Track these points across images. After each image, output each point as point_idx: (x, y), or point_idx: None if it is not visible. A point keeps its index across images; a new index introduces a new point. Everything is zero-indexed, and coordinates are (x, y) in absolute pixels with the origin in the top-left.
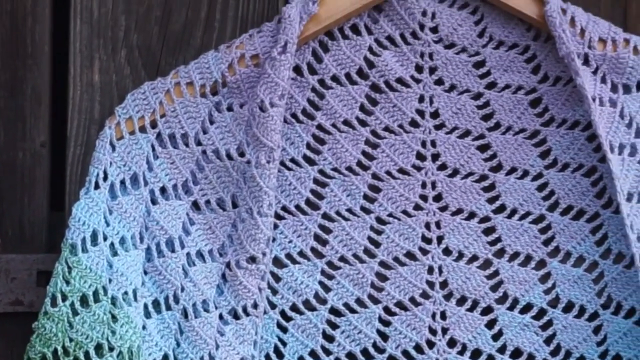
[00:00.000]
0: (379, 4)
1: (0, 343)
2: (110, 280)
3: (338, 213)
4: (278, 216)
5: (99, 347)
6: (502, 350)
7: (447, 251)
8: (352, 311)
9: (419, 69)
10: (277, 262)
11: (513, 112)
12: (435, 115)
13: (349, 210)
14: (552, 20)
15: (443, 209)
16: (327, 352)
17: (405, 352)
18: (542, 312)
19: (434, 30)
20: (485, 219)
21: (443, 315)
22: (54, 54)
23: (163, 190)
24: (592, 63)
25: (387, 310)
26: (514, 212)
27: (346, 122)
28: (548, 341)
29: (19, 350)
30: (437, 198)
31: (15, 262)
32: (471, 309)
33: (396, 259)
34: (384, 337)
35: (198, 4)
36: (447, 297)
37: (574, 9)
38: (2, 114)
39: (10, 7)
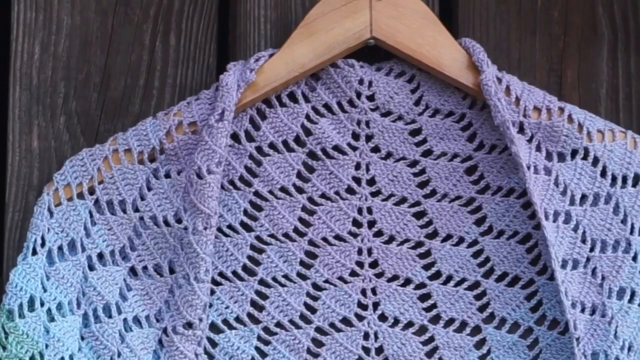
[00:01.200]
0: (316, 72)
1: None
2: (47, 346)
3: (274, 279)
4: (215, 282)
5: None
6: None
7: (383, 317)
8: None
9: (356, 136)
10: (213, 327)
11: (449, 180)
12: (371, 182)
13: (286, 277)
14: (488, 88)
15: (379, 275)
16: None
17: None
18: None
19: (371, 98)
20: (421, 286)
21: None
22: None
23: (100, 256)
24: (527, 131)
25: None
26: (449, 278)
27: (283, 189)
28: None
29: None
30: (373, 265)
31: None
32: None
33: (332, 325)
34: None
35: (137, 71)
36: None
37: (509, 77)
38: None
39: None
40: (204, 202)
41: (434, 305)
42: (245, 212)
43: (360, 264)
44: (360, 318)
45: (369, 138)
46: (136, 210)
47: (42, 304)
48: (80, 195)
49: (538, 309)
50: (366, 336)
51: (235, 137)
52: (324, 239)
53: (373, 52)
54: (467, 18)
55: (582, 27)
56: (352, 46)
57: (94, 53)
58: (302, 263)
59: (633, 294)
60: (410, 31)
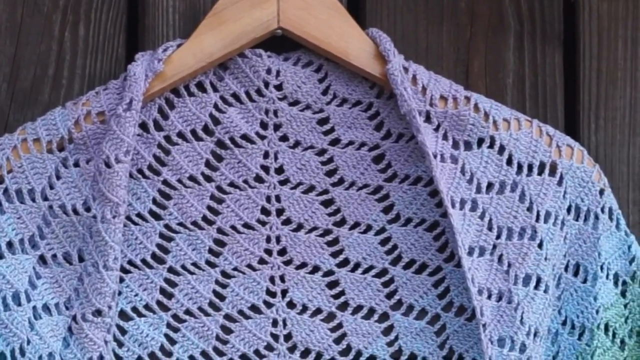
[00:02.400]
0: (224, 62)
1: None
2: None
3: (183, 267)
4: (124, 270)
5: None
6: None
7: (291, 304)
8: None
9: (264, 125)
10: (123, 315)
11: (356, 168)
12: (279, 171)
13: (195, 264)
14: (394, 78)
15: (287, 262)
16: None
17: None
18: None
19: (279, 87)
20: (329, 273)
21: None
22: None
23: (10, 244)
24: (434, 120)
25: None
26: (357, 266)
27: (192, 178)
28: None
29: None
30: (282, 252)
31: None
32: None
33: (241, 312)
34: None
35: (46, 61)
36: (291, 349)
37: (415, 67)
38: None
39: None
40: (113, 191)
41: (342, 292)
42: (154, 201)
43: (268, 252)
44: (268, 305)
45: (277, 127)
46: (45, 199)
47: None
48: None
49: (445, 295)
50: (275, 323)
51: (143, 126)
52: (233, 227)
53: (281, 43)
54: (374, 9)
55: (489, 17)
56: (259, 36)
57: (3, 43)
58: (210, 251)
59: (539, 280)
60: (318, 22)
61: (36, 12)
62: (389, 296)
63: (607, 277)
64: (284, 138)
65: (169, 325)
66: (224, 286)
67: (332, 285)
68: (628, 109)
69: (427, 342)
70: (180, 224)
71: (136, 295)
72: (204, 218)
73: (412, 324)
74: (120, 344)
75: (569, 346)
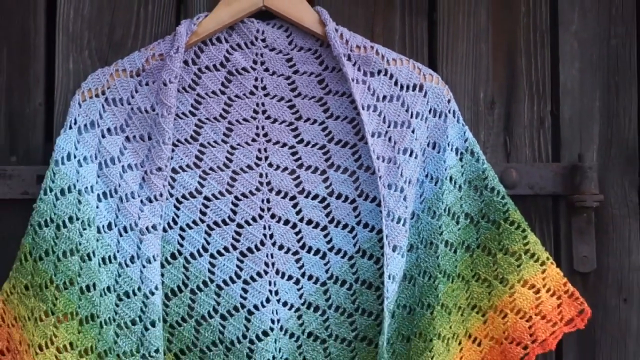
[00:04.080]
0: (232, 25)
1: (15, 218)
2: (77, 180)
3: (209, 143)
4: (174, 144)
5: (70, 219)
6: (302, 219)
7: (271, 165)
8: (216, 198)
9: (255, 62)
10: (174, 170)
11: (309, 87)
12: (264, 88)
13: (215, 141)
14: (329, 34)
15: (268, 141)
16: (202, 221)
17: (247, 222)
18: (324, 199)
19: (263, 40)
20: (292, 147)
21: (268, 201)
22: (49, 47)
23: (108, 130)
24: (352, 59)
25: (237, 197)
26: (308, 143)
27: (213, 92)
28: (327, 215)
29: (24, 223)
30: (265, 135)
31: (24, 170)
32: (284, 197)
33: (241, 169)
34: (234, 212)
35: (129, 25)
36: (270, 190)
37: (342, 29)
38: (17, 90)
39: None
40: (167, 99)
41: (299, 158)
42: (192, 105)
43: (257, 135)
44: (257, 165)
45: (262, 64)
46: (128, 103)
47: (75, 157)
48: (97, 95)
49: (359, 160)
50: (261, 175)
51: (185, 62)
52: (237, 120)
53: (265, 15)
54: None
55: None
56: (252, 11)
57: (105, 13)
58: (224, 134)
59: (411, 151)
60: (286, 2)
61: None
62: (327, 160)
63: (451, 149)
64: (266, 70)
65: (200, 177)
66: (231, 153)
67: (294, 154)
68: (467, 55)
69: (347, 186)
70: (206, 118)
71: (181, 159)
72: (221, 115)
73: (340, 176)
74: (172, 187)
75: (429, 189)
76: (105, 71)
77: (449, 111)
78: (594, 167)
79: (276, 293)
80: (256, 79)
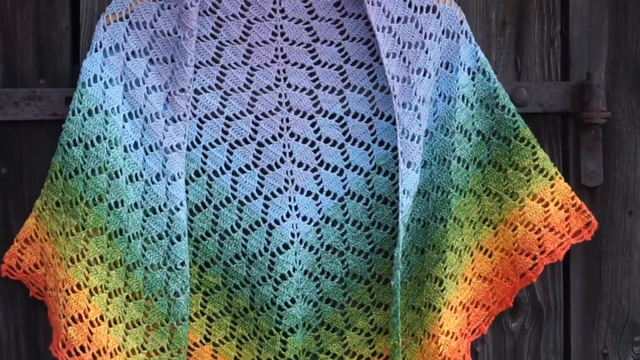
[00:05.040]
0: None
1: (45, 139)
2: (104, 101)
3: (229, 65)
4: (196, 66)
5: (98, 138)
6: (320, 138)
7: (289, 85)
8: (237, 117)
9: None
10: (196, 91)
11: (325, 9)
12: (282, 11)
13: (235, 63)
14: None
15: (287, 62)
16: (224, 140)
17: (267, 140)
18: (340, 118)
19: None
20: (310, 68)
21: (288, 120)
22: None
23: (132, 53)
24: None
25: (257, 116)
26: (325, 64)
27: (233, 15)
28: (344, 133)
29: (54, 143)
30: (284, 57)
31: (53, 92)
32: (302, 116)
33: (261, 90)
34: (255, 131)
35: None
36: (289, 110)
37: None
38: (45, 15)
39: None
40: (189, 22)
41: (317, 79)
42: (213, 28)
43: (276, 56)
44: (276, 85)
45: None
46: (151, 27)
47: (101, 79)
48: (121, 19)
49: (374, 80)
50: (280, 95)
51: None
52: (257, 43)
53: None
54: None
55: None
56: None
57: None
58: (244, 56)
59: (425, 71)
60: None
61: None
62: (343, 80)
63: (463, 69)
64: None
65: (222, 97)
66: (251, 75)
67: (312, 74)
68: None
69: (363, 105)
70: (227, 41)
71: (203, 80)
72: (241, 37)
73: (356, 96)
74: (195, 107)
75: (442, 108)
76: None
77: (462, 32)
78: (602, 85)
79: (296, 208)
80: (274, 2)
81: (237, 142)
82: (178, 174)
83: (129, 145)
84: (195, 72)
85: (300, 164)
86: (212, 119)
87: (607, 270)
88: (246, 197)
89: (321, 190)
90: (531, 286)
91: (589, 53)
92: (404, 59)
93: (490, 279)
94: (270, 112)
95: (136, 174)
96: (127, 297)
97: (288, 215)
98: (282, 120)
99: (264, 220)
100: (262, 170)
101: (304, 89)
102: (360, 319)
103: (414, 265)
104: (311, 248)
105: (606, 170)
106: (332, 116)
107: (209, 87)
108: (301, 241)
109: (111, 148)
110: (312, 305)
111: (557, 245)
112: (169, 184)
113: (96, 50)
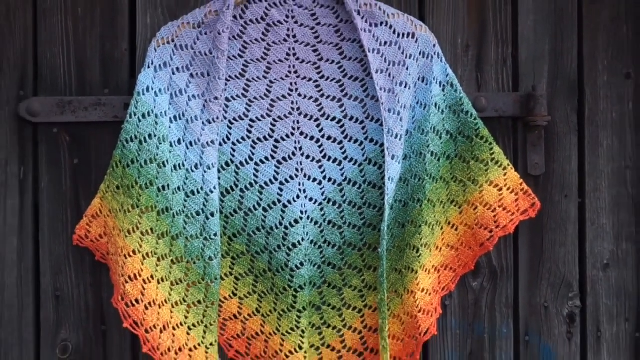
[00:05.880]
0: None
1: (108, 136)
2: (154, 107)
3: (253, 79)
4: (227, 79)
5: (149, 136)
6: (323, 136)
7: (300, 95)
8: (259, 120)
9: (287, 17)
10: (227, 99)
11: (328, 35)
12: (294, 37)
13: (257, 77)
14: None
15: (298, 77)
16: (248, 137)
17: (282, 138)
18: (340, 121)
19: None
20: (316, 81)
21: (298, 122)
22: (131, 6)
23: (177, 69)
24: (361, 14)
25: (275, 119)
26: (326, 77)
27: (256, 40)
28: (342, 132)
29: (115, 140)
30: (295, 72)
31: (114, 100)
32: (310, 119)
33: (278, 98)
34: (272, 130)
35: None
36: (300, 114)
37: None
38: (108, 39)
39: None
40: (221, 45)
41: (320, 90)
42: (240, 50)
43: (289, 72)
44: (289, 94)
45: (293, 18)
46: (192, 48)
47: (152, 89)
48: (168, 42)
49: (366, 91)
50: (292, 103)
51: (234, 17)
52: (273, 61)
53: None
54: None
55: None
56: None
57: None
58: (267, 68)
59: (406, 84)
60: None
61: None
62: (342, 91)
63: (436, 82)
64: (296, 22)
65: (246, 103)
66: (270, 86)
67: (317, 86)
68: (447, 10)
69: (358, 111)
70: (251, 60)
71: (232, 91)
72: (262, 57)
73: (352, 103)
74: (226, 112)
75: (419, 113)
76: (174, 24)
77: (435, 53)
78: (544, 96)
79: (304, 191)
80: (288, 30)
81: (258, 139)
82: (212, 164)
83: (174, 142)
84: (226, 84)
85: (308, 157)
86: (239, 121)
87: (547, 241)
88: (265, 183)
89: (324, 178)
90: (488, 253)
91: (533, 70)
92: (390, 74)
93: (456, 247)
94: (284, 115)
95: (179, 164)
96: (172, 260)
97: (298, 197)
98: (294, 122)
99: (279, 201)
100: (278, 162)
101: (311, 97)
102: (354, 279)
103: (396, 236)
104: (316, 223)
105: (547, 162)
106: (333, 119)
107: (237, 96)
108: (308, 217)
109: (160, 144)
110: (316, 267)
111: (508, 221)
112: (205, 172)
113: (149, 67)
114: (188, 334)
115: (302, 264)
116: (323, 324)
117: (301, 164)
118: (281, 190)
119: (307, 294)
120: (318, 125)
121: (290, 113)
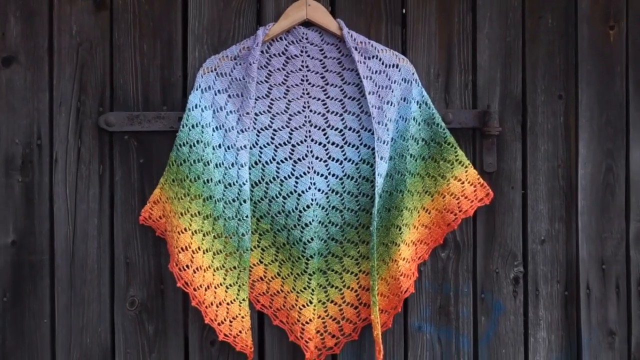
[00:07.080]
0: (288, 30)
1: (166, 142)
2: (201, 120)
3: (275, 98)
4: (256, 99)
5: (197, 141)
6: (329, 142)
7: (311, 111)
8: (280, 130)
9: (302, 52)
10: (256, 114)
11: (333, 65)
12: (307, 67)
13: (279, 98)
14: (344, 35)
15: (310, 97)
16: (272, 143)
17: (298, 143)
18: (341, 131)
19: (307, 38)
20: (323, 100)
21: (310, 132)
22: (184, 42)
23: (219, 91)
24: (358, 50)
25: (292, 129)
26: (332, 98)
27: (278, 69)
28: (343, 139)
29: (171, 145)
30: (308, 94)
31: (171, 114)
32: (319, 129)
33: (294, 113)
34: (290, 137)
35: (228, 29)
36: (311, 125)
37: (352, 31)
38: (167, 68)
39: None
40: (252, 73)
41: (327, 107)
42: (266, 76)
43: (303, 93)
44: (302, 111)
45: (306, 52)
46: (229, 75)
47: (199, 106)
48: (211, 71)
49: (362, 108)
50: (305, 118)
51: (262, 51)
52: (291, 85)
53: (307, 23)
54: (336, 13)
55: (371, 12)
56: (300, 21)
57: (208, 31)
58: (285, 92)
59: (391, 103)
60: (320, 15)
61: (225, 5)
62: (343, 108)
63: (414, 102)
64: (308, 56)
65: (271, 117)
66: (289, 104)
67: (324, 104)
68: (423, 47)
69: (355, 123)
70: (274, 84)
71: (260, 108)
72: (282, 82)
73: (351, 117)
74: (255, 123)
75: (401, 125)
76: (216, 57)
77: (414, 79)
78: (496, 112)
79: (314, 184)
80: (302, 61)
81: (279, 144)
82: (244, 163)
83: (216, 146)
84: (255, 103)
85: (317, 158)
86: (265, 131)
87: (498, 222)
88: (285, 177)
89: (329, 174)
90: (453, 231)
91: (488, 92)
92: (379, 95)
93: (429, 226)
94: (299, 126)
95: (220, 163)
96: (214, 236)
97: (309, 188)
98: (306, 131)
99: (295, 191)
100: (294, 161)
101: (319, 113)
102: (352, 250)
103: (384, 218)
104: (323, 208)
105: (498, 162)
106: (336, 129)
107: (263, 112)
108: (317, 204)
109: (205, 147)
110: (323, 242)
111: (469, 207)
112: (239, 169)
113: (197, 89)
114: (226, 291)
115: (312, 239)
116: (328, 284)
117: (312, 163)
118: (297, 183)
119: (316, 262)
120: (325, 134)
121: (303, 124)
